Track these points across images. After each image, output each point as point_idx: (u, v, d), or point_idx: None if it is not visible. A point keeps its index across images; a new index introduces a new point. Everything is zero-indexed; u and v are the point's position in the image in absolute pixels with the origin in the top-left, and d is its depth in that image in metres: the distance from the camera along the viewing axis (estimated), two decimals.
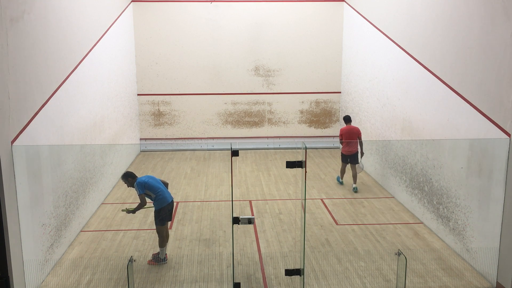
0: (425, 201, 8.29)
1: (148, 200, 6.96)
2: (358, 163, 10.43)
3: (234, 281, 6.21)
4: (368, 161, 11.74)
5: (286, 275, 6.26)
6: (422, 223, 8.40)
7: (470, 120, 6.82)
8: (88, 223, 8.50)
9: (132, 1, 13.69)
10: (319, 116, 14.75)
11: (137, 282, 6.35)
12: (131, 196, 9.81)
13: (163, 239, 6.89)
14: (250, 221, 5.75)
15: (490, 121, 6.30)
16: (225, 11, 14.09)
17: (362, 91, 12.33)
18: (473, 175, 6.63)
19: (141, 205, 6.80)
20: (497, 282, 6.18)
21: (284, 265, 6.81)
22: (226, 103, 14.58)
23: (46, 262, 6.53)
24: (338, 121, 14.76)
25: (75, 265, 6.88)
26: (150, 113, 14.44)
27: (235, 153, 5.66)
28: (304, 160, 5.60)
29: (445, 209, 7.51)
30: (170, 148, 14.58)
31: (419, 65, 8.60)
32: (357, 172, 10.44)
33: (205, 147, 14.65)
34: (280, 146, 14.73)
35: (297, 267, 6.49)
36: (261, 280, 6.42)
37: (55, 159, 7.02)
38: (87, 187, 8.50)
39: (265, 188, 10.60)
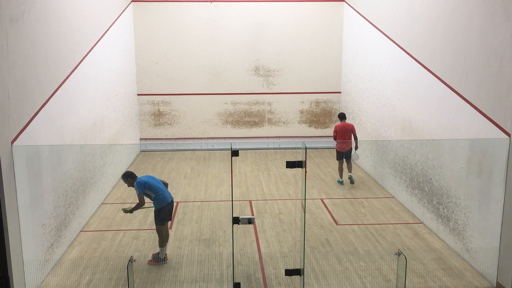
0: (425, 201, 8.29)
1: (147, 200, 6.97)
2: (350, 157, 10.76)
3: (234, 281, 6.21)
4: (368, 161, 11.75)
5: (286, 275, 6.26)
6: (422, 223, 8.40)
7: (470, 120, 6.82)
8: (88, 223, 8.50)
9: (132, 1, 13.69)
10: (319, 116, 14.75)
11: (137, 282, 6.35)
12: (131, 196, 9.81)
13: (163, 239, 6.89)
14: (250, 221, 5.75)
15: (490, 121, 6.30)
16: (225, 11, 14.09)
17: (362, 91, 12.33)
18: (473, 175, 6.63)
19: (140, 205, 6.79)
20: (497, 282, 6.18)
21: (284, 265, 6.81)
22: (226, 103, 14.59)
23: (46, 262, 6.53)
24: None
25: (75, 265, 6.88)
26: (150, 113, 14.44)
27: (235, 153, 5.66)
28: (304, 160, 5.60)
29: (445, 209, 7.51)
30: (170, 148, 14.58)
31: (419, 65, 8.60)
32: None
33: (205, 147, 14.65)
34: (280, 146, 14.73)
35: (297, 267, 6.49)
36: (261, 280, 6.42)
37: (55, 159, 7.02)
38: (87, 187, 8.50)
39: (265, 188, 10.60)
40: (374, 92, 11.33)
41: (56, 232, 6.93)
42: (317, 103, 14.73)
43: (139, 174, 7.18)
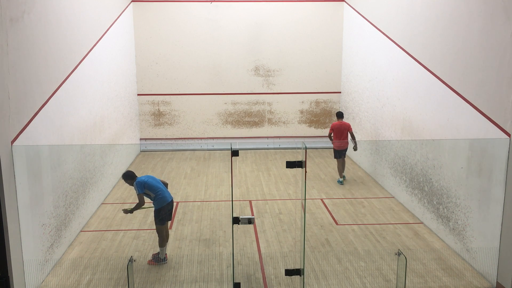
0: (425, 201, 8.29)
1: (147, 200, 6.96)
2: (344, 156, 10.96)
3: (234, 281, 6.21)
4: (368, 161, 11.75)
5: (286, 275, 6.26)
6: (422, 223, 8.40)
7: (470, 120, 6.82)
8: (88, 223, 8.50)
9: (132, 1, 13.70)
10: (319, 116, 14.75)
11: (137, 282, 6.35)
12: (131, 196, 9.81)
13: (163, 239, 6.89)
14: (250, 221, 5.75)
15: (490, 121, 6.30)
16: (225, 11, 14.08)
17: (362, 91, 12.33)
18: (473, 175, 6.63)
19: (139, 205, 6.79)
20: (497, 282, 6.18)
21: (284, 265, 6.81)
22: (226, 103, 14.59)
23: (46, 262, 6.53)
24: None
25: (75, 265, 6.88)
26: (150, 113, 14.44)
27: (235, 153, 5.66)
28: (304, 160, 5.60)
29: (445, 209, 7.51)
30: (170, 148, 14.58)
31: (419, 65, 8.60)
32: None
33: (205, 147, 14.65)
34: (280, 146, 14.73)
35: (297, 267, 6.49)
36: (261, 280, 6.42)
37: (55, 159, 7.02)
38: (87, 187, 8.50)
39: (265, 188, 10.60)
40: (374, 92, 11.33)
41: (56, 232, 6.93)
42: (317, 103, 14.73)
43: (139, 174, 7.18)
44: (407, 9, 9.19)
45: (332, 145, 11.22)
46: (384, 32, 10.50)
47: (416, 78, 8.81)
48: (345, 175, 11.09)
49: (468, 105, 6.85)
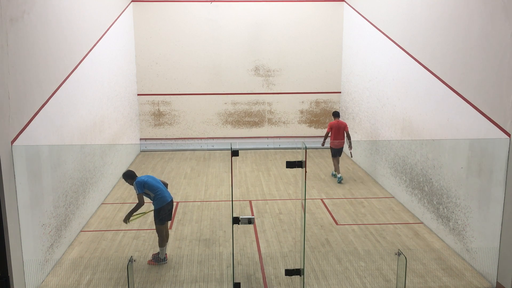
0: (425, 201, 8.29)
1: (147, 200, 6.96)
2: (340, 155, 11.22)
3: (234, 281, 6.21)
4: (368, 161, 11.75)
5: (286, 275, 6.26)
6: (422, 223, 8.40)
7: (470, 120, 6.82)
8: (88, 223, 8.50)
9: (132, 1, 13.69)
10: (319, 116, 14.75)
11: (137, 282, 6.35)
12: (131, 196, 9.81)
13: (162, 239, 6.89)
14: (250, 221, 5.75)
15: (490, 121, 6.30)
16: (225, 11, 14.09)
17: (362, 91, 12.33)
18: (473, 175, 6.63)
19: (139, 205, 6.78)
20: (497, 282, 6.18)
21: (284, 265, 6.81)
22: (226, 103, 14.59)
23: (46, 262, 6.53)
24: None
25: (75, 265, 6.88)
26: (150, 113, 14.44)
27: (235, 153, 5.66)
28: (304, 160, 5.60)
29: (445, 209, 7.51)
30: (170, 148, 14.58)
31: (419, 65, 8.60)
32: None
33: (205, 147, 14.65)
34: (280, 146, 14.73)
35: (297, 267, 6.49)
36: (261, 280, 6.42)
37: (55, 159, 7.02)
38: (87, 187, 8.50)
39: (265, 188, 10.61)
40: (374, 92, 11.33)
41: (56, 232, 6.93)
42: (317, 103, 14.73)
43: (139, 174, 7.18)
44: (407, 9, 9.19)
45: (326, 145, 11.52)
46: (384, 32, 10.50)
47: (416, 78, 8.81)
48: (341, 176, 11.16)
49: (468, 105, 6.86)
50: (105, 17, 10.58)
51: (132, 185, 6.91)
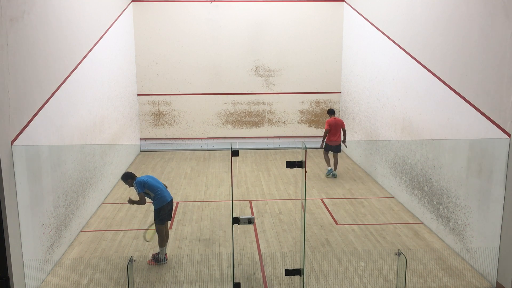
0: (425, 201, 8.29)
1: (148, 201, 6.96)
2: (340, 151, 11.60)
3: (234, 281, 6.21)
4: (368, 161, 11.75)
5: (286, 275, 6.26)
6: (422, 223, 8.40)
7: (470, 120, 6.82)
8: (88, 223, 8.50)
9: (132, 1, 13.70)
10: (319, 116, 14.75)
11: (137, 282, 6.35)
12: (131, 196, 9.79)
13: (162, 239, 6.89)
14: (250, 221, 5.75)
15: (490, 121, 6.30)
16: (225, 11, 14.09)
17: (362, 91, 12.33)
18: (473, 175, 6.63)
19: (140, 203, 6.80)
20: (497, 282, 6.18)
21: (284, 265, 6.81)
22: (226, 103, 14.59)
23: (46, 262, 6.53)
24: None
25: (75, 265, 6.88)
26: (150, 113, 14.44)
27: (235, 153, 5.66)
28: (304, 160, 5.60)
29: (445, 209, 7.51)
30: (170, 148, 14.58)
31: (419, 65, 8.60)
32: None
33: (205, 147, 14.65)
34: (280, 146, 14.73)
35: (297, 267, 6.49)
36: (261, 280, 6.42)
37: (55, 159, 7.02)
38: (87, 187, 8.50)
39: (265, 188, 10.61)
40: (374, 92, 11.33)
41: (56, 232, 6.93)
42: (317, 103, 14.73)
43: (139, 174, 7.19)
44: (407, 9, 9.19)
45: (324, 143, 11.65)
46: (384, 32, 10.50)
47: (416, 78, 8.80)
48: (336, 173, 11.49)
49: (468, 105, 6.85)
50: (105, 17, 10.58)
51: (132, 185, 6.92)
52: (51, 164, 6.84)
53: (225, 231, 8.12)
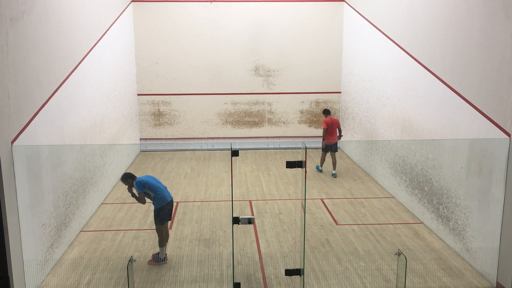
0: (425, 201, 8.29)
1: (148, 201, 6.97)
2: (337, 150, 11.88)
3: (234, 281, 6.21)
4: (368, 161, 11.75)
5: (286, 275, 6.26)
6: (422, 223, 8.40)
7: (470, 120, 6.82)
8: (88, 223, 8.50)
9: (132, 1, 13.70)
10: (319, 116, 14.74)
11: (137, 282, 6.35)
12: (131, 196, 9.80)
13: (162, 239, 6.89)
14: (250, 221, 5.75)
15: (490, 121, 6.30)
16: (225, 11, 14.09)
17: (362, 91, 12.33)
18: (473, 175, 6.63)
19: (140, 202, 6.81)
20: (497, 282, 6.18)
21: (284, 265, 6.81)
22: (226, 103, 14.59)
23: (46, 262, 6.53)
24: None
25: (75, 265, 6.88)
26: (150, 113, 14.44)
27: (235, 153, 5.66)
28: (304, 160, 5.60)
29: (445, 209, 7.51)
30: (170, 148, 14.58)
31: (419, 65, 8.60)
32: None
33: (205, 147, 14.65)
34: (280, 146, 14.73)
35: (297, 267, 6.49)
36: (261, 280, 6.42)
37: (55, 159, 7.02)
38: (87, 187, 8.50)
39: (265, 188, 10.61)
40: (374, 92, 11.33)
41: (56, 232, 6.93)
42: (317, 103, 14.73)
43: (139, 174, 7.19)
44: (407, 9, 9.19)
45: (323, 143, 11.84)
46: (384, 32, 10.50)
47: (416, 78, 8.81)
48: (336, 173, 11.58)
49: (468, 105, 6.86)
50: (105, 17, 10.58)
51: (131, 186, 6.92)
52: (51, 164, 6.84)
53: (225, 231, 8.12)
